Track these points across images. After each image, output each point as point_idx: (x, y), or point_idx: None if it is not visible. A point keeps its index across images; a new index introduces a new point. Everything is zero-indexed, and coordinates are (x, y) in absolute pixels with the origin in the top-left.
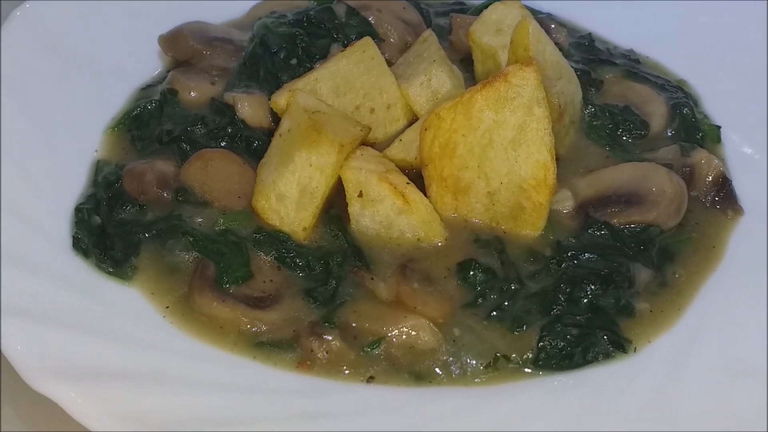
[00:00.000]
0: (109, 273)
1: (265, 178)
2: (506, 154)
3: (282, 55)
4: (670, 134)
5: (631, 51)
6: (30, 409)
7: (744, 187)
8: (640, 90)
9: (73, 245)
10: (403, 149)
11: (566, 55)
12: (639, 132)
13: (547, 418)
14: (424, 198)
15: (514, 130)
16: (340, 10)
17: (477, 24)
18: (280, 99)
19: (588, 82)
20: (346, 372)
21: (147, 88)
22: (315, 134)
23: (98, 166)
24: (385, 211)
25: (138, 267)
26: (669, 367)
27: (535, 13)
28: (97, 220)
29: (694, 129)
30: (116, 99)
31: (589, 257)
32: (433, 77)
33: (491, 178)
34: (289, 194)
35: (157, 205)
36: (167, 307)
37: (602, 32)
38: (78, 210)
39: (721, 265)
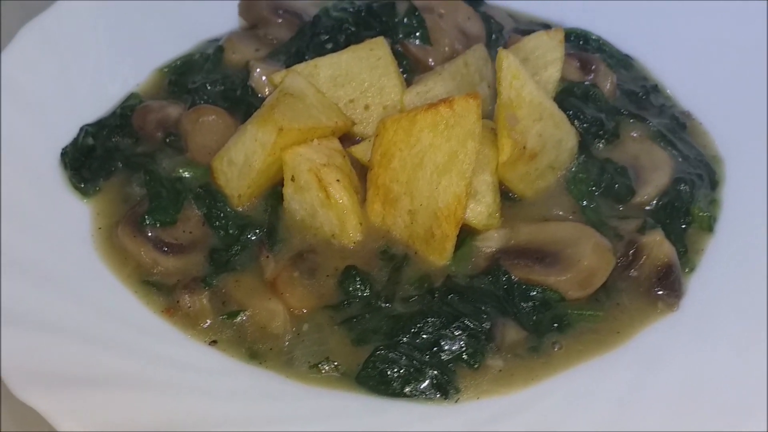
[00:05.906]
0: (75, 187)
1: (229, 142)
2: (431, 178)
3: (322, 38)
4: (650, 207)
5: (687, 114)
6: (27, 408)
7: (705, 287)
8: (655, 155)
9: (60, 157)
10: (365, 150)
11: (600, 100)
12: (620, 198)
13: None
14: (348, 199)
15: (445, 157)
16: (401, 7)
17: (512, 48)
18: (277, 76)
19: (596, 133)
20: (204, 326)
21: (213, 41)
22: (267, 112)
23: (128, 98)
24: (311, 200)
25: (102, 189)
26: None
27: (610, 51)
28: (89, 141)
29: (681, 210)
30: (186, 45)
31: (459, 299)
32: (431, 89)
33: (415, 197)
34: (236, 161)
35: (148, 143)
36: (99, 228)
37: (676, 85)
38: (81, 129)
39: (611, 353)
